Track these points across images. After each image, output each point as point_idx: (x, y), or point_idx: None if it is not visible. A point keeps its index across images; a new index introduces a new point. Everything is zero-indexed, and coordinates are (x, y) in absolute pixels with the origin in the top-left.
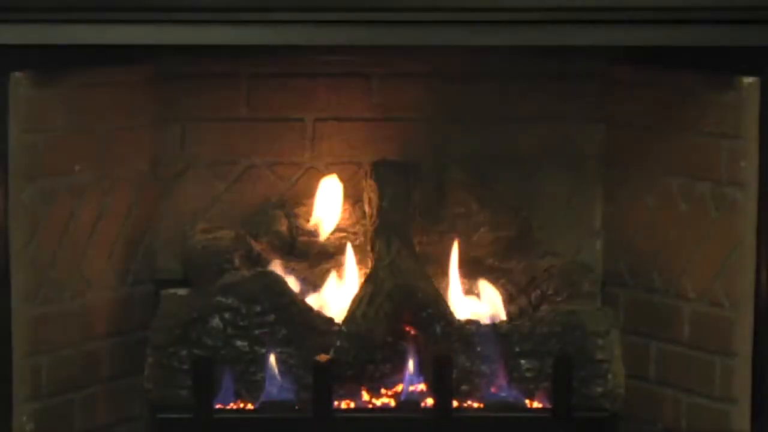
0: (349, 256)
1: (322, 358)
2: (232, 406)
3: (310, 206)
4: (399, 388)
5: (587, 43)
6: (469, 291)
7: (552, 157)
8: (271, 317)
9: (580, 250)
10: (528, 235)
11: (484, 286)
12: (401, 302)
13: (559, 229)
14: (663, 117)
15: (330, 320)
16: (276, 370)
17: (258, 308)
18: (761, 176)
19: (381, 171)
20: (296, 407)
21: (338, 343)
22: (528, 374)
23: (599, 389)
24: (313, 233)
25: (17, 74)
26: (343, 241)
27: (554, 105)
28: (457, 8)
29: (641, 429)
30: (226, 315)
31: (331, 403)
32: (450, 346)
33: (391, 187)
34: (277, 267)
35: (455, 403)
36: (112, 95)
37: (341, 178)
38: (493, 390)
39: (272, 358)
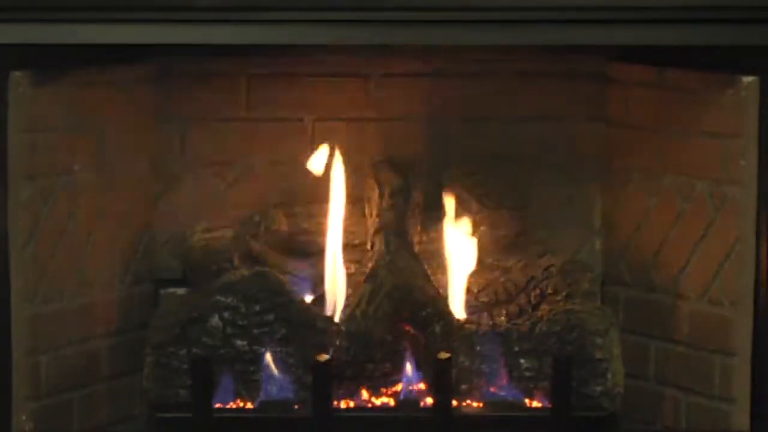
0: (349, 255)
1: (322, 357)
2: (231, 405)
3: (309, 206)
4: (398, 387)
5: (587, 42)
6: (469, 290)
7: (552, 157)
8: (271, 316)
9: (579, 249)
10: (527, 235)
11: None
12: (400, 301)
13: (558, 229)
14: (663, 116)
15: (329, 319)
16: (275, 370)
17: (257, 307)
18: (760, 175)
19: (381, 171)
20: (295, 406)
21: (338, 342)
22: (527, 373)
23: (598, 388)
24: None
25: (17, 73)
26: (343, 240)
27: (554, 104)
28: (457, 8)
29: (640, 428)
30: (226, 314)
31: (331, 403)
32: (449, 345)
33: (391, 186)
34: (276, 266)
35: (455, 403)
36: (112, 95)
37: (341, 178)
38: (492, 389)
39: (271, 357)
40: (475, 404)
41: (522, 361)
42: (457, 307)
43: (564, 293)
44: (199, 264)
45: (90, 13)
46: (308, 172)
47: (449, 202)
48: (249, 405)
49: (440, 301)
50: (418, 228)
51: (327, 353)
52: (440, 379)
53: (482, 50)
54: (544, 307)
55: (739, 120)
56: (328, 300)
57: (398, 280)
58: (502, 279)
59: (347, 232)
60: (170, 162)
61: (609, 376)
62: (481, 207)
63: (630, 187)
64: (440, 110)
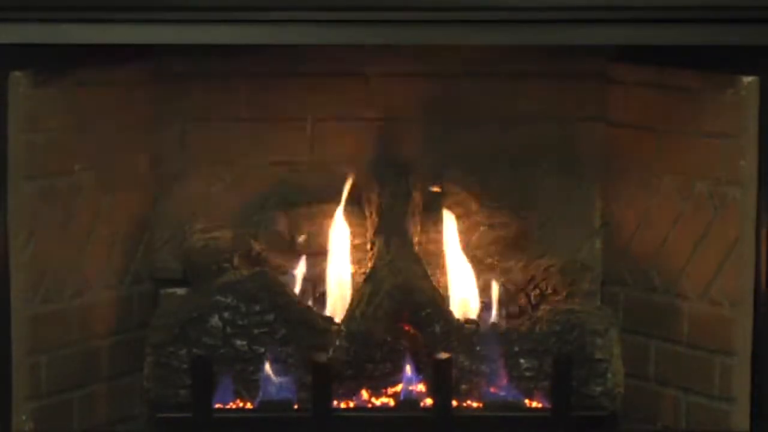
0: (349, 255)
1: (321, 357)
2: (231, 405)
3: (309, 207)
4: (398, 387)
5: (587, 42)
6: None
7: (551, 157)
8: (271, 316)
9: (579, 249)
10: (527, 235)
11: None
12: (400, 301)
13: (558, 228)
14: (662, 116)
15: (329, 319)
16: (275, 369)
17: (257, 307)
18: (760, 175)
19: (381, 171)
20: (295, 407)
21: (337, 342)
22: (527, 373)
23: (598, 388)
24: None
25: (17, 73)
26: (344, 240)
27: (554, 104)
28: (457, 8)
29: (640, 428)
30: (226, 314)
31: (330, 403)
32: (449, 345)
33: (391, 186)
34: (276, 266)
35: (454, 403)
36: (112, 95)
37: (341, 178)
38: (492, 389)
39: (271, 357)
40: (475, 404)
41: (522, 361)
42: (457, 308)
43: (564, 293)
44: (199, 264)
45: (90, 13)
46: (308, 173)
47: (449, 202)
48: (249, 405)
49: (440, 301)
50: (418, 228)
51: (327, 353)
52: (440, 379)
53: (482, 50)
54: (544, 307)
55: (739, 120)
56: (328, 300)
57: (398, 280)
58: (502, 279)
59: (347, 232)
60: (170, 162)
61: (609, 376)
62: (481, 207)
63: (630, 187)
64: (440, 110)
